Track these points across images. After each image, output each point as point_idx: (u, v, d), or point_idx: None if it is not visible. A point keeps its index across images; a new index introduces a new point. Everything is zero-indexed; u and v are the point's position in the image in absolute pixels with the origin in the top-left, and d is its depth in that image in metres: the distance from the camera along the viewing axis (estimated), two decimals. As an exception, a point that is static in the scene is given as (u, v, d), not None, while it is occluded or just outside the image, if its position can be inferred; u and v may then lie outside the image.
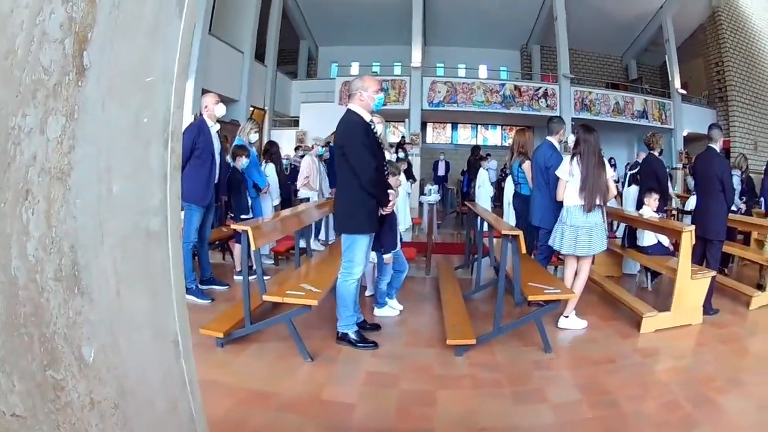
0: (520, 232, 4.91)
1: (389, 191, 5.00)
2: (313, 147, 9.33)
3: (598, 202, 5.52)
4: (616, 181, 11.11)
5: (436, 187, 13.39)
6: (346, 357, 4.58)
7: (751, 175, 10.02)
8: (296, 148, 14.33)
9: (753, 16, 22.53)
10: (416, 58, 19.43)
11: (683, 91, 21.97)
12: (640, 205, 7.58)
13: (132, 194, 0.90)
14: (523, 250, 4.95)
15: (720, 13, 21.81)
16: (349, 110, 4.75)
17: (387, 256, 5.46)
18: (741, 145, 20.61)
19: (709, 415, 3.76)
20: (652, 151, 8.09)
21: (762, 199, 9.74)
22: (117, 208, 0.88)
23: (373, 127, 4.84)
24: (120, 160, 0.87)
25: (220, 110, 6.39)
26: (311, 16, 22.24)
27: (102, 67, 0.80)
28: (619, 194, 10.31)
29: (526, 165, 7.03)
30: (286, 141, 17.21)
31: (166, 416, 1.07)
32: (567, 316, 5.63)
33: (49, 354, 0.86)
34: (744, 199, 9.25)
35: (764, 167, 8.94)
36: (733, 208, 8.21)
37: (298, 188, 9.24)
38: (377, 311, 5.78)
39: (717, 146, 6.48)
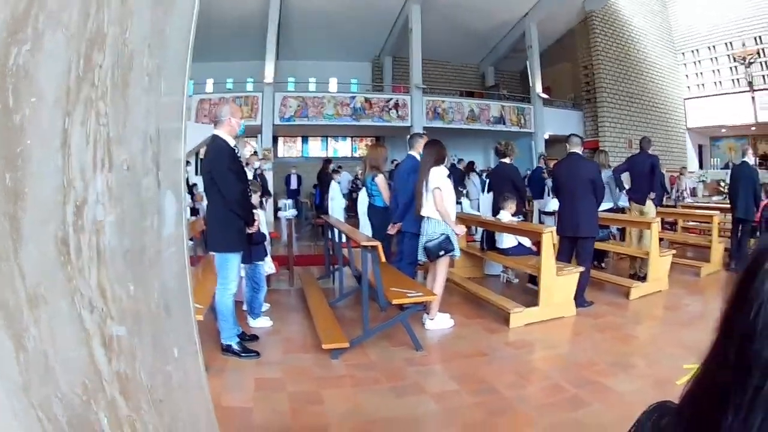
0: (378, 243, 5.34)
1: (254, 210, 5.36)
2: None
3: (422, 210, 6.03)
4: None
5: (291, 201, 13.60)
6: (233, 366, 4.81)
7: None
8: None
9: (634, 18, 23.79)
10: (269, 74, 19.31)
11: (545, 95, 22.72)
12: (496, 210, 8.02)
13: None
14: (383, 259, 5.44)
15: (594, 17, 22.60)
16: (216, 136, 4.96)
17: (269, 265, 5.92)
18: (612, 144, 21.65)
19: (597, 394, 4.04)
20: (503, 160, 8.67)
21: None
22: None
23: (238, 151, 5.12)
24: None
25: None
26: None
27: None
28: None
29: (379, 179, 7.37)
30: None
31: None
32: (432, 318, 5.99)
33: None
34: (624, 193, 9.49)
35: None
36: (611, 205, 8.88)
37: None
38: (252, 322, 6.01)
39: (580, 150, 6.99)
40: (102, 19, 1.00)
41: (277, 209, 13.30)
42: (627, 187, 9.36)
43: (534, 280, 7.78)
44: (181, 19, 1.32)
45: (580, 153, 7.09)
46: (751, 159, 9.11)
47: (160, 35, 1.22)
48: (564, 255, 6.93)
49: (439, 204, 5.88)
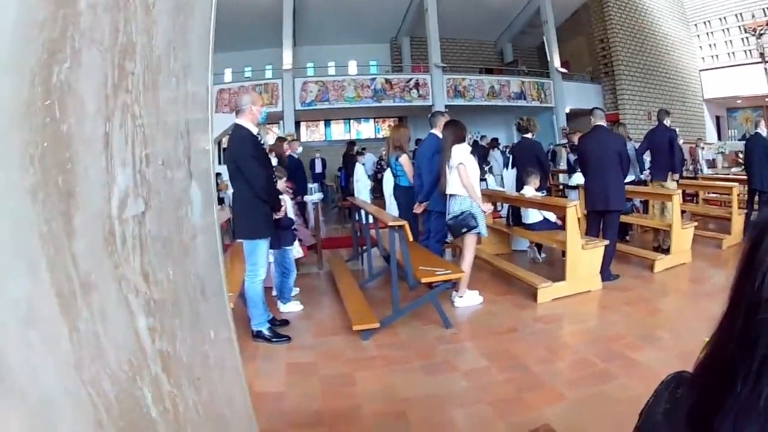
0: (405, 222, 5.35)
1: (280, 196, 5.46)
2: None
3: (446, 189, 6.03)
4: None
5: (316, 185, 13.72)
6: (264, 352, 4.90)
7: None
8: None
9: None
10: (287, 60, 19.42)
11: (563, 70, 22.64)
12: (520, 185, 8.02)
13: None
14: (410, 238, 5.42)
15: (607, -9, 22.35)
16: (238, 125, 5.02)
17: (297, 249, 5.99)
18: (632, 116, 21.63)
19: (625, 368, 4.04)
20: (525, 135, 8.58)
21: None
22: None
23: (260, 139, 5.20)
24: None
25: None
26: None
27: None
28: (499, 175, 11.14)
29: (403, 158, 7.40)
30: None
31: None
32: (462, 296, 6.00)
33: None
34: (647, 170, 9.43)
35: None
36: (633, 178, 8.71)
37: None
38: (283, 307, 6.09)
39: (605, 123, 6.94)
40: (131, 31, 1.10)
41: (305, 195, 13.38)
42: (647, 164, 9.30)
43: (540, 248, 7.92)
44: (202, 20, 1.41)
45: (605, 126, 7.02)
46: (763, 130, 8.92)
47: (183, 38, 1.31)
48: (593, 230, 6.89)
49: (465, 179, 5.88)
